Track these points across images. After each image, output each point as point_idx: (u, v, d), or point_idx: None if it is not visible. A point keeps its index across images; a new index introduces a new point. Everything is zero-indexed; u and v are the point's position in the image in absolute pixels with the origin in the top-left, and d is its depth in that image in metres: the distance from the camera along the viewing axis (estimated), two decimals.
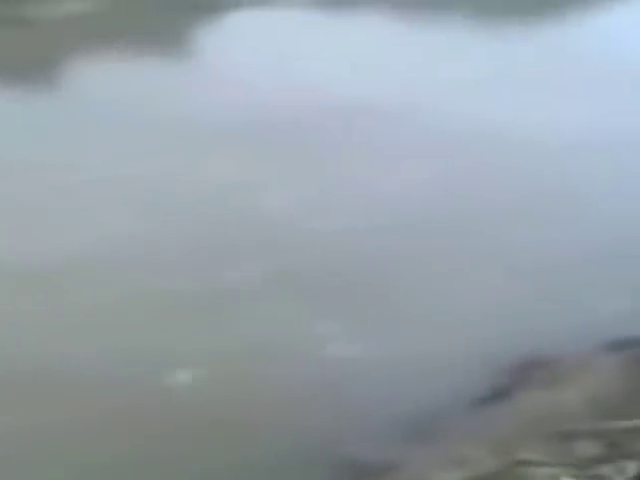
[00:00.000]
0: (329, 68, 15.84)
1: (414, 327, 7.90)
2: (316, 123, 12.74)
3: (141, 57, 17.25)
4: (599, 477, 5.90)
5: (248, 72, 15.66)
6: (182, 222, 9.85)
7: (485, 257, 9.26)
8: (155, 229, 9.68)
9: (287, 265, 8.93)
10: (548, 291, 8.56)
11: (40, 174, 10.87)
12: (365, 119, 13.01)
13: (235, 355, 7.52)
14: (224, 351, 7.57)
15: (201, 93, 14.24)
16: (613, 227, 9.86)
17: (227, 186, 10.60)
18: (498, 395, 7.13)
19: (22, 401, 7.02)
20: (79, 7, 19.94)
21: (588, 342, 7.75)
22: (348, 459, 6.31)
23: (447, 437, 6.50)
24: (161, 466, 6.38)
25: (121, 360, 7.46)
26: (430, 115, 13.27)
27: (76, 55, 17.30)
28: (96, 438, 6.61)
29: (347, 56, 16.70)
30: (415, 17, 21.30)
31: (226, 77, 15.21)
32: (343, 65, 16.09)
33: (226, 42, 18.75)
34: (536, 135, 12.46)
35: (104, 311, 8.17)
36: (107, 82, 15.11)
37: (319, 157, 11.69)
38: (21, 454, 6.48)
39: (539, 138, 12.35)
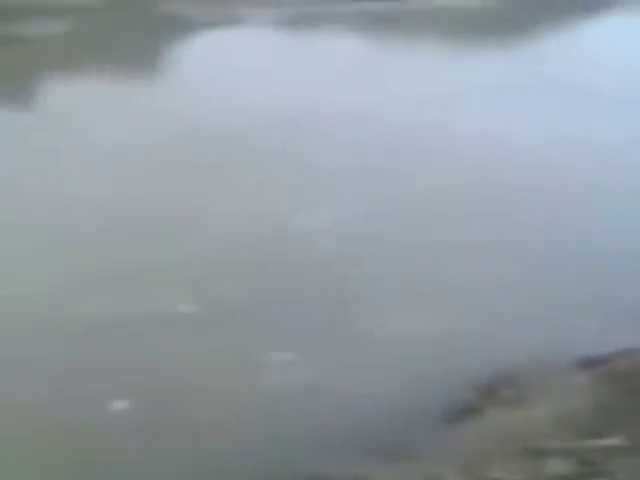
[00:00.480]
0: (293, 85, 15.96)
1: (381, 343, 7.81)
2: (268, 136, 12.98)
3: (115, 77, 17.42)
4: None
5: (216, 90, 15.74)
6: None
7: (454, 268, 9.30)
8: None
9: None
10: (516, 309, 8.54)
11: None
12: (314, 132, 13.14)
13: None
14: None
15: (170, 111, 14.31)
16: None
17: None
18: (467, 412, 7.05)
19: None
20: (57, 28, 20.29)
21: (557, 359, 7.71)
22: (317, 477, 6.17)
23: (416, 455, 6.39)
24: None
25: None
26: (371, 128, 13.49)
27: (51, 74, 17.48)
28: None
29: (311, 73, 16.85)
30: (378, 35, 21.55)
31: (195, 95, 15.29)
32: (308, 82, 16.20)
33: (196, 61, 18.96)
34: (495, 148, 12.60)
35: None
36: (80, 101, 15.34)
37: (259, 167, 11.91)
38: None
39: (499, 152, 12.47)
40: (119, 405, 6.99)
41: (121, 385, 7.22)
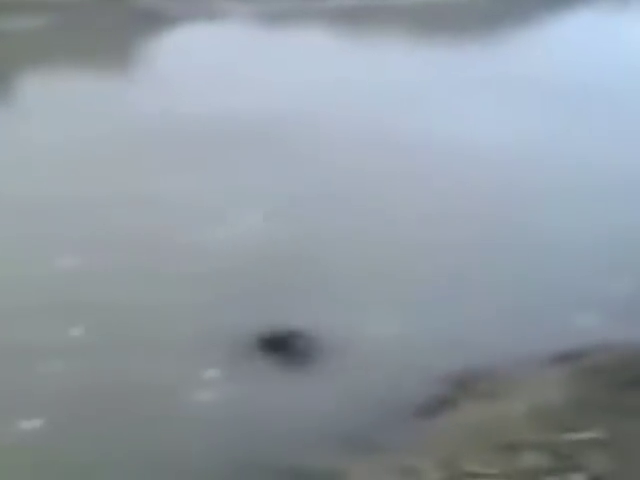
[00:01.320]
0: (266, 80, 16.01)
1: (363, 338, 7.81)
2: (243, 131, 12.94)
3: (90, 71, 17.44)
4: None
5: (189, 83, 15.80)
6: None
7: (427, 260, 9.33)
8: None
9: None
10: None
11: None
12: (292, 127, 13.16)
13: None
14: None
15: (143, 104, 14.41)
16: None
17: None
18: (443, 406, 7.03)
19: None
20: (35, 23, 20.33)
21: (533, 354, 7.70)
22: (292, 470, 6.14)
23: (392, 448, 6.37)
24: None
25: None
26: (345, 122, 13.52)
27: (25, 68, 17.55)
28: None
29: (284, 68, 16.93)
30: (354, 31, 21.69)
31: (169, 88, 15.34)
32: (279, 77, 16.26)
33: (172, 55, 19.10)
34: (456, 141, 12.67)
35: None
36: (50, 95, 15.38)
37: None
38: None
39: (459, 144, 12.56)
40: None
41: None
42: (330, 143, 12.72)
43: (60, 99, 15.02)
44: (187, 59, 18.18)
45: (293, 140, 12.66)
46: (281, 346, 7.72)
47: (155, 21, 22.13)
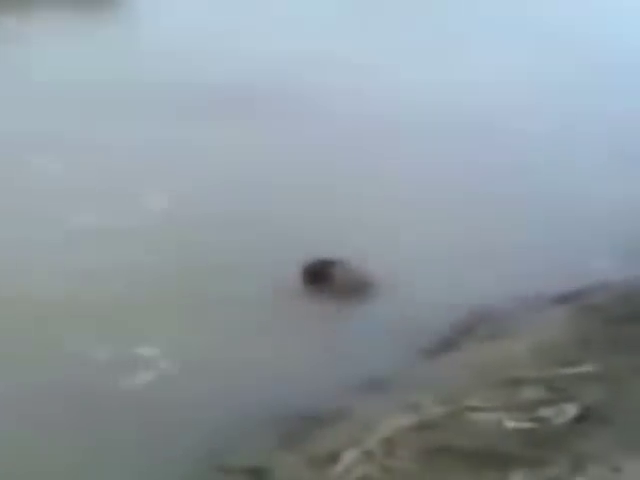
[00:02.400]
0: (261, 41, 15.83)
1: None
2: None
3: (74, 21, 16.97)
4: (541, 419, 6.19)
5: (176, 36, 15.53)
6: None
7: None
8: None
9: None
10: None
11: None
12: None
13: None
14: None
15: (131, 58, 14.20)
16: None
17: None
18: (447, 347, 7.41)
19: None
20: None
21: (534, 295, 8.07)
22: (300, 409, 6.54)
23: (397, 386, 6.76)
24: None
25: None
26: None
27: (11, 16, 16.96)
28: None
29: (284, 29, 16.65)
30: None
31: (155, 41, 14.97)
32: (276, 38, 16.04)
33: (158, 6, 18.47)
34: None
35: None
36: (38, 46, 15.00)
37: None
38: None
39: None
40: None
41: None
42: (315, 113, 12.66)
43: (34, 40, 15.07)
44: (177, 11, 17.63)
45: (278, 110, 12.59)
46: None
47: None
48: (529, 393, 6.53)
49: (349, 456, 5.83)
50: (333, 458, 5.83)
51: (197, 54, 14.15)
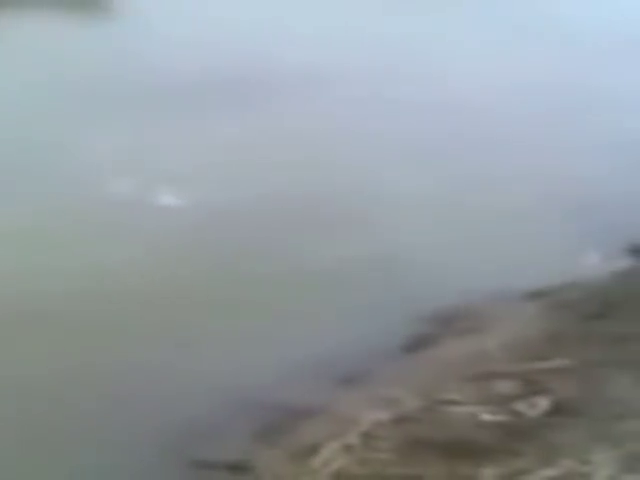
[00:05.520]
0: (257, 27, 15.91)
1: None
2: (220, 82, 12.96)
3: (63, 17, 16.87)
4: (514, 413, 6.36)
5: (179, 30, 15.57)
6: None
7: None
8: None
9: None
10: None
11: None
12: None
13: None
14: None
15: (121, 53, 14.16)
16: None
17: None
18: (422, 342, 7.56)
19: None
20: None
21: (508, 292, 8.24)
22: (278, 402, 6.67)
23: (374, 381, 6.91)
24: None
25: None
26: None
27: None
28: None
29: (275, 14, 16.65)
30: None
31: (145, 37, 14.98)
32: (269, 24, 16.07)
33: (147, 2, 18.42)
34: None
35: None
36: (28, 41, 15.00)
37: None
38: None
39: None
40: None
41: None
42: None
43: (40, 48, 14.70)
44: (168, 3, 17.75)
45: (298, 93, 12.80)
46: None
47: None
48: (503, 387, 6.71)
49: (329, 449, 5.98)
50: (313, 451, 5.99)
51: (193, 49, 14.21)
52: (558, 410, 6.30)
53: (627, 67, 14.19)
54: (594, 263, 8.80)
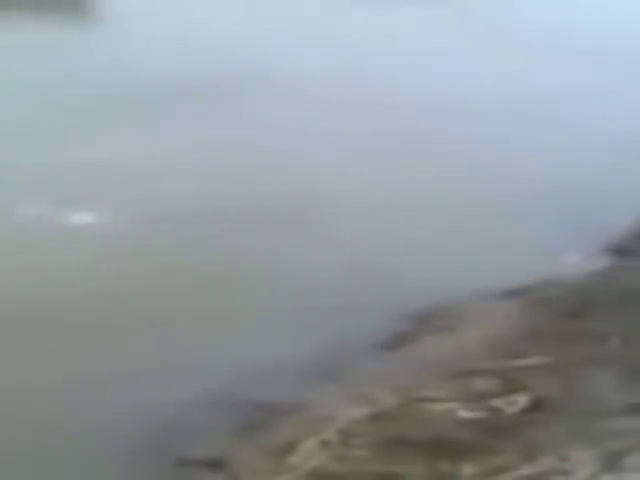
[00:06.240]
0: (233, 32, 15.94)
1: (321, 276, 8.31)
2: (208, 87, 12.93)
3: (41, 21, 16.84)
4: (492, 410, 6.35)
5: (154, 36, 15.56)
6: None
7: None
8: None
9: None
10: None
11: None
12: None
13: None
14: None
15: (101, 57, 14.20)
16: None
17: None
18: (400, 340, 7.54)
19: None
20: None
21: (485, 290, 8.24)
22: (255, 399, 6.62)
23: (351, 379, 6.87)
24: None
25: None
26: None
27: None
28: None
29: (250, 20, 16.73)
30: None
31: (126, 39, 15.15)
32: (247, 29, 16.14)
33: (129, 5, 18.46)
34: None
35: None
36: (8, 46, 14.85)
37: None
38: None
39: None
40: None
41: None
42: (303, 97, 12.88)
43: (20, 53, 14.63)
44: (147, 7, 17.68)
45: (262, 95, 12.78)
46: None
47: None
48: (481, 384, 6.70)
49: (306, 446, 5.94)
50: (291, 448, 5.94)
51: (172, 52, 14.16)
52: (537, 407, 6.29)
53: (604, 70, 14.25)
54: (573, 262, 8.81)
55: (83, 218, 9.29)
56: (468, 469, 5.63)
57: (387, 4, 18.65)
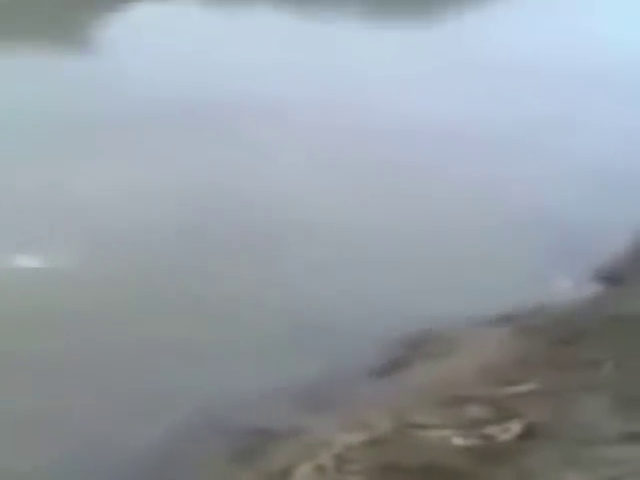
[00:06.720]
0: (220, 64, 16.12)
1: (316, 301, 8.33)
2: (202, 118, 12.99)
3: (41, 51, 17.18)
4: (486, 437, 6.38)
5: (145, 67, 15.75)
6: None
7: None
8: None
9: None
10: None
11: None
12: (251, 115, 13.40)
13: None
14: None
15: (99, 87, 14.31)
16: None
17: None
18: (395, 366, 7.58)
19: None
20: None
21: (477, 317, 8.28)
22: (251, 425, 6.64)
23: (346, 404, 6.90)
24: None
25: None
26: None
27: None
28: None
29: (239, 51, 16.94)
30: (308, 12, 21.69)
31: (124, 71, 15.32)
32: (234, 60, 16.34)
33: (126, 36, 18.75)
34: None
35: None
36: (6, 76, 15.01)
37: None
38: None
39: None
40: None
41: None
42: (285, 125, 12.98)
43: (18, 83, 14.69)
44: (138, 40, 17.94)
45: (248, 123, 12.79)
46: None
47: (106, 1, 21.71)
48: (475, 411, 6.73)
49: (301, 471, 5.96)
50: (286, 474, 5.96)
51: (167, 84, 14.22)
52: (531, 434, 6.32)
53: (584, 99, 14.42)
54: (564, 289, 8.88)
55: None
56: None
57: (375, 31, 18.87)
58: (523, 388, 6.99)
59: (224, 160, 11.46)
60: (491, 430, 6.42)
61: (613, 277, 9.21)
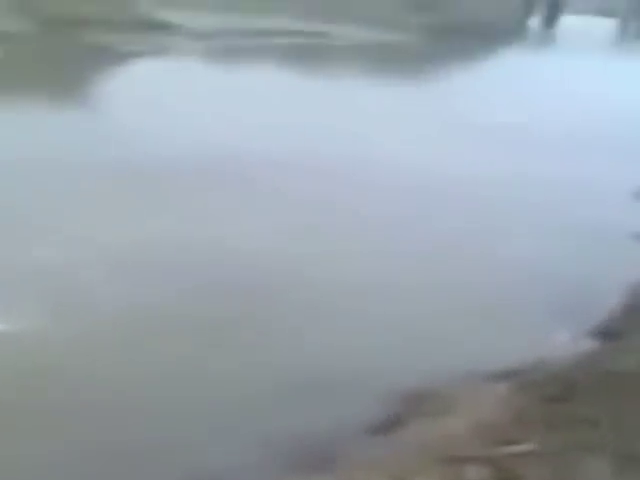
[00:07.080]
0: (217, 118, 16.31)
1: (313, 359, 8.31)
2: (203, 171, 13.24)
3: (40, 104, 17.46)
4: None
5: (144, 121, 15.98)
6: None
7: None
8: None
9: None
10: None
11: None
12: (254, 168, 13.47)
13: None
14: None
15: (97, 141, 14.52)
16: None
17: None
18: (394, 424, 7.54)
19: None
20: None
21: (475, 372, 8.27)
22: None
23: (343, 463, 6.86)
24: None
25: None
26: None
27: None
28: None
29: (238, 106, 17.19)
30: (308, 69, 22.00)
31: (122, 126, 15.49)
32: (233, 115, 16.56)
33: (124, 91, 19.01)
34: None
35: None
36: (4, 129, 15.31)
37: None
38: None
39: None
40: None
41: None
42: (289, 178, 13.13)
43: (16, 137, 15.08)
44: (138, 95, 18.25)
45: (253, 179, 13.02)
46: None
47: (106, 56, 22.03)
48: (473, 472, 6.69)
49: None
50: None
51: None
52: None
53: (569, 161, 14.63)
54: (561, 343, 8.89)
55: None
56: None
57: (373, 89, 19.10)
58: (520, 448, 6.96)
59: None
60: None
61: (609, 332, 9.24)
